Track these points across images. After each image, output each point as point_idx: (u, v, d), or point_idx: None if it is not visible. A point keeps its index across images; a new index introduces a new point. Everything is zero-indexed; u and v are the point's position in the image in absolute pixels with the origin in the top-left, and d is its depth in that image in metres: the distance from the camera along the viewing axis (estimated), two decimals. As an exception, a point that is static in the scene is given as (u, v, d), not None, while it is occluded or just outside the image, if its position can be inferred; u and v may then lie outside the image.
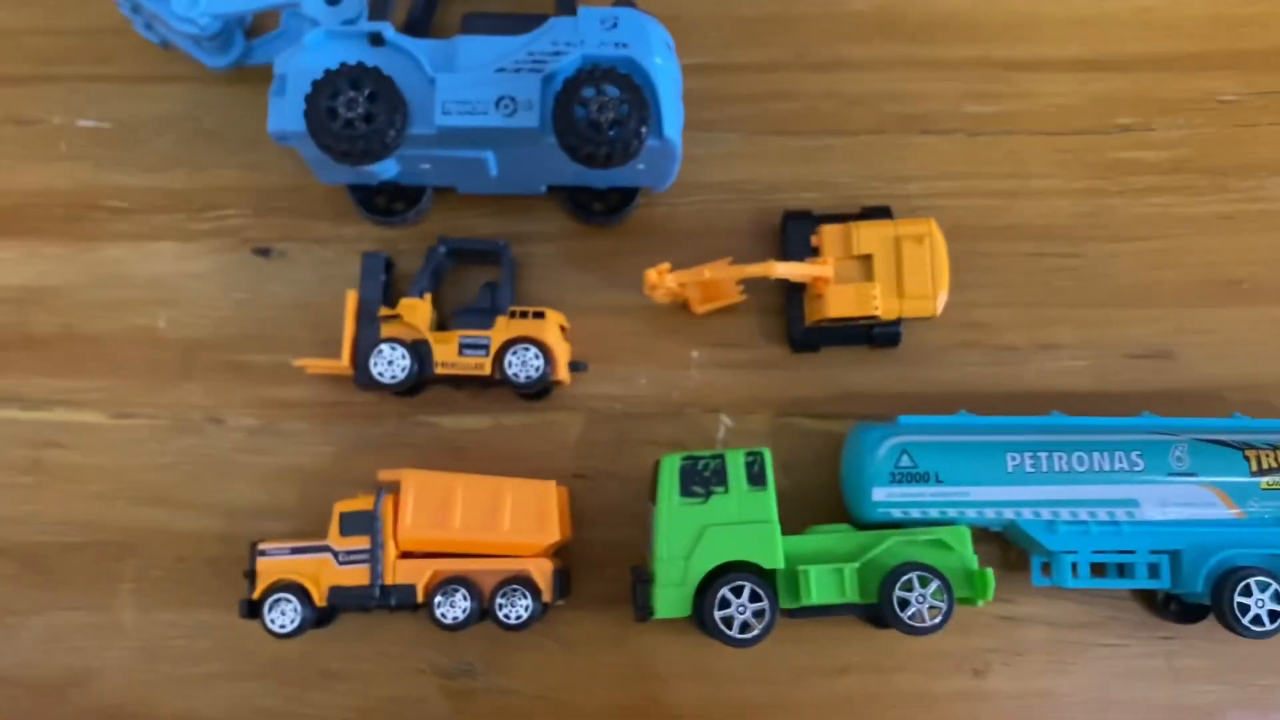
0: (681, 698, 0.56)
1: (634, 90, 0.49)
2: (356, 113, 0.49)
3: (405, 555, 0.53)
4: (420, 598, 0.52)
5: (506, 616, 0.52)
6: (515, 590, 0.52)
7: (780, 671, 0.56)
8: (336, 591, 0.52)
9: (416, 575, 0.52)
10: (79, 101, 0.61)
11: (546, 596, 0.52)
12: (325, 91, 0.49)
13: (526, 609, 0.52)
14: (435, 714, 0.55)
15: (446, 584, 0.52)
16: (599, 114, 0.49)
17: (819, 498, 0.57)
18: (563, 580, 0.54)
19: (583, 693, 0.56)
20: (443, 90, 0.50)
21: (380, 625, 0.56)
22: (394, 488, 0.53)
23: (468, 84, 0.50)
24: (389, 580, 0.52)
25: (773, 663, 0.56)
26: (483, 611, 0.53)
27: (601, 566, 0.57)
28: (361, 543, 0.52)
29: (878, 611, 0.51)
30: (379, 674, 0.56)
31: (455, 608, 0.52)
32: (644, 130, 0.49)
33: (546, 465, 0.58)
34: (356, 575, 0.52)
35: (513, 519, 0.53)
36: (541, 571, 0.53)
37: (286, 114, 0.51)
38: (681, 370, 0.59)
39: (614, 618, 0.56)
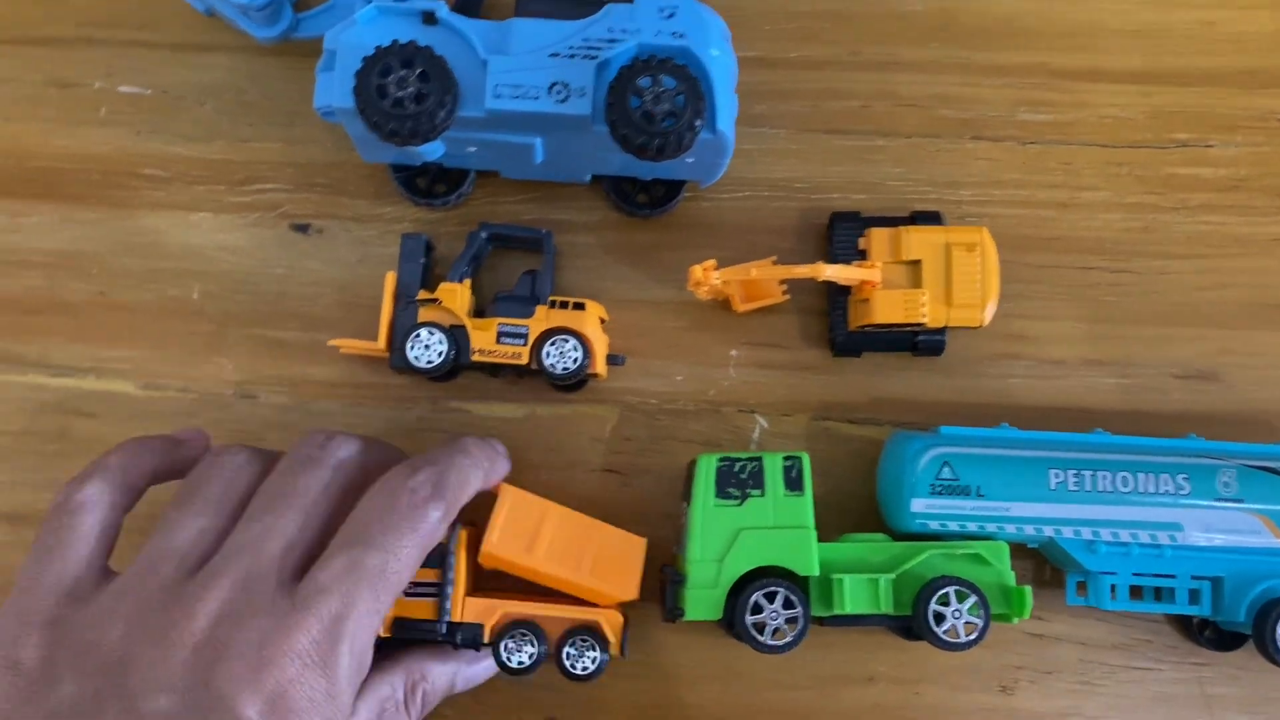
0: (703, 699, 0.55)
1: (690, 82, 0.48)
2: (407, 92, 0.48)
3: (474, 593, 0.51)
4: (487, 638, 0.50)
5: (573, 667, 0.50)
6: (585, 641, 0.50)
7: (805, 678, 0.55)
8: (401, 624, 0.50)
9: (485, 615, 0.50)
10: (121, 67, 0.60)
11: (614, 650, 0.51)
12: (376, 68, 0.48)
13: (594, 661, 0.50)
14: (457, 699, 0.54)
15: (514, 627, 0.50)
16: (653, 105, 0.48)
17: (852, 505, 0.56)
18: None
19: (604, 688, 0.55)
20: (495, 73, 0.49)
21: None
22: (468, 523, 0.51)
23: (520, 68, 0.49)
24: (456, 617, 0.50)
25: (798, 669, 0.55)
26: (549, 657, 0.51)
27: (629, 563, 0.56)
28: (431, 575, 0.50)
29: (910, 624, 0.51)
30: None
31: (522, 653, 0.50)
32: (698, 123, 0.48)
33: (578, 458, 0.57)
34: (422, 609, 0.50)
35: (595, 565, 0.51)
36: (612, 625, 0.51)
37: (334, 89, 0.50)
38: (719, 368, 0.58)
39: (640, 615, 0.55)
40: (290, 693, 0.38)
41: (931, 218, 0.56)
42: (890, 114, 0.60)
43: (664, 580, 0.54)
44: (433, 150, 0.53)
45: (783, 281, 0.56)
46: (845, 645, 0.55)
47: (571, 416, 0.57)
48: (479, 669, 0.52)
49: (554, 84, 0.49)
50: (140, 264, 0.58)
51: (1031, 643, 0.56)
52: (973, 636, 0.49)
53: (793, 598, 0.49)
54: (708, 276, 0.52)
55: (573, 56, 0.49)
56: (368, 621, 0.41)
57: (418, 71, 0.48)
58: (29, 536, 0.55)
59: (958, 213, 0.58)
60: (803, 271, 0.52)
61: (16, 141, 0.59)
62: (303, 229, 0.58)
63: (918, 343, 0.56)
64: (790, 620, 0.49)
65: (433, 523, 0.44)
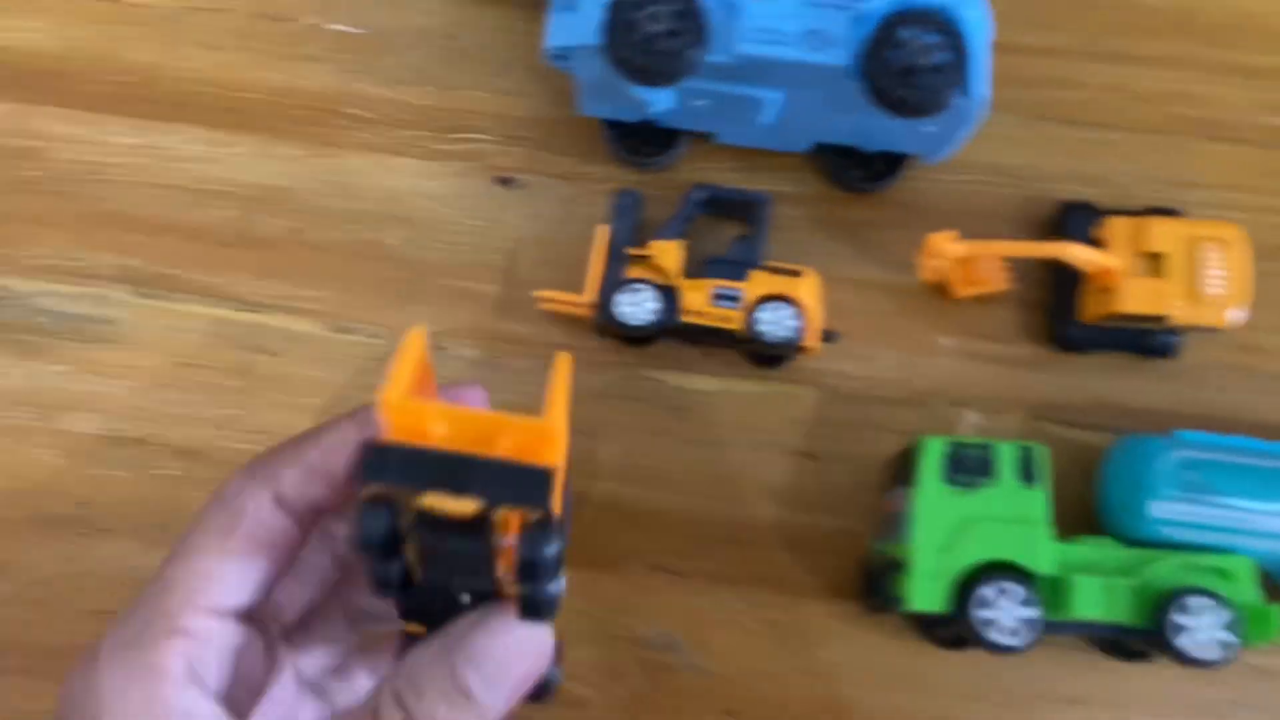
0: (886, 704, 0.52)
1: (953, 38, 0.46)
2: (659, 28, 0.46)
3: None
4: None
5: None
6: None
7: (997, 692, 0.52)
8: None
9: None
10: (334, 3, 0.59)
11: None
12: (630, 1, 0.46)
13: None
14: (633, 684, 0.52)
15: None
16: (916, 58, 0.45)
17: (1065, 511, 0.52)
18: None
19: (782, 684, 0.52)
20: (749, 17, 0.47)
21: (586, 586, 0.52)
22: None
23: (775, 13, 0.47)
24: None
25: (992, 682, 0.52)
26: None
27: (822, 554, 0.53)
28: None
29: (1132, 638, 0.47)
30: (579, 633, 0.52)
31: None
32: (959, 80, 0.46)
33: (772, 438, 0.54)
34: None
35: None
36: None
37: (574, 28, 0.48)
38: (929, 357, 0.55)
39: (829, 610, 0.52)
40: (61, 703, 0.35)
41: (1170, 214, 0.53)
42: (1123, 108, 0.57)
43: (867, 571, 0.51)
44: (663, 100, 0.51)
45: (1009, 267, 0.53)
46: (1045, 660, 0.52)
47: (768, 395, 0.55)
48: (495, 644, 0.33)
49: (810, 31, 0.47)
50: (338, 204, 0.56)
51: (1252, 676, 0.52)
52: (1223, 654, 0.45)
53: (1030, 596, 0.45)
54: (947, 248, 0.49)
55: (828, 7, 0.47)
56: (150, 605, 0.34)
57: (672, 8, 0.46)
58: (203, 474, 0.54)
59: (1189, 215, 0.55)
60: (1048, 250, 0.49)
61: (224, 71, 0.58)
62: (506, 182, 0.57)
63: (1150, 343, 0.52)
64: (1025, 619, 0.45)
65: (233, 488, 0.36)
